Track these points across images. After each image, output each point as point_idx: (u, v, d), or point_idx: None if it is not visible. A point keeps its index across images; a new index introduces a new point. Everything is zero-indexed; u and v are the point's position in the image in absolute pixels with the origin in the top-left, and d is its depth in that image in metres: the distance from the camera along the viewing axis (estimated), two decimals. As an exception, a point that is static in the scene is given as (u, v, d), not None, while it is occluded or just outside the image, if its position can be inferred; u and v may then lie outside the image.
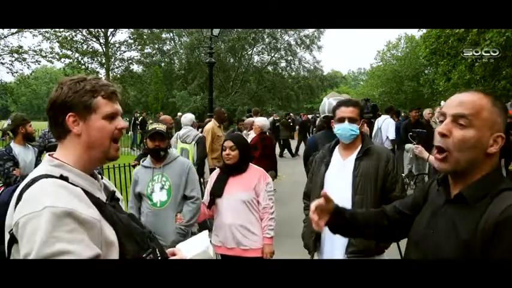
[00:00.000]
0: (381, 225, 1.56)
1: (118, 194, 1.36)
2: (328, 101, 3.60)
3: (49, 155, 1.22)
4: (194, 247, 1.39)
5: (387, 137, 8.07)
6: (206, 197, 3.15)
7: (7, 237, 1.09)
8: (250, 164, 3.11)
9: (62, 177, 1.13)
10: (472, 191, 1.20)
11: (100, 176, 1.31)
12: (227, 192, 3.01)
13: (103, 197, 1.23)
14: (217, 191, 3.03)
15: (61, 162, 1.18)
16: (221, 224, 3.03)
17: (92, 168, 1.25)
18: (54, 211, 1.01)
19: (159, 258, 1.26)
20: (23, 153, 4.10)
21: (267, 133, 6.10)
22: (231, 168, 3.05)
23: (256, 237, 2.97)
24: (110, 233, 1.13)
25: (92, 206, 1.12)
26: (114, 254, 1.13)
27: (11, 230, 1.06)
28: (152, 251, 1.24)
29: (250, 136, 6.24)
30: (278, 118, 18.12)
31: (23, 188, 1.11)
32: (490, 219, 1.11)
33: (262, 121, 6.05)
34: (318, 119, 14.72)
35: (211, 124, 6.80)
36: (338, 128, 2.57)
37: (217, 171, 3.21)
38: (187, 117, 6.14)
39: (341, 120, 2.56)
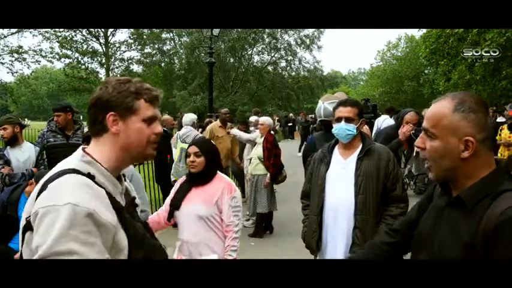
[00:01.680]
0: (388, 252, 1.58)
1: (137, 201, 1.36)
2: (324, 105, 3.59)
3: (83, 149, 1.22)
4: None
5: None
6: (165, 207, 2.77)
7: (23, 222, 1.10)
8: (218, 173, 2.73)
9: (89, 176, 1.13)
10: (470, 194, 1.19)
11: (124, 179, 1.32)
12: (185, 204, 2.63)
13: (122, 201, 1.23)
14: (176, 202, 2.66)
15: (92, 159, 1.19)
16: (180, 239, 2.67)
17: (123, 168, 1.27)
18: (75, 209, 1.02)
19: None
20: (16, 152, 4.09)
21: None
22: (195, 177, 2.67)
23: (216, 257, 2.53)
24: (123, 239, 1.13)
25: (111, 209, 1.12)
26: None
27: (29, 216, 1.07)
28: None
29: (255, 134, 6.23)
30: (278, 118, 18.12)
31: (49, 178, 1.12)
32: (490, 221, 1.11)
33: (268, 120, 6.03)
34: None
35: (212, 124, 6.82)
36: (335, 128, 2.58)
37: (182, 179, 2.82)
38: (189, 117, 6.14)
39: (338, 120, 2.57)
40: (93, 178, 1.14)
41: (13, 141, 4.10)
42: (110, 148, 1.22)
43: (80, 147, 1.24)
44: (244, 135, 6.41)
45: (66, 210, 1.01)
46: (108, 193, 1.15)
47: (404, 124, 3.67)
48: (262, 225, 5.79)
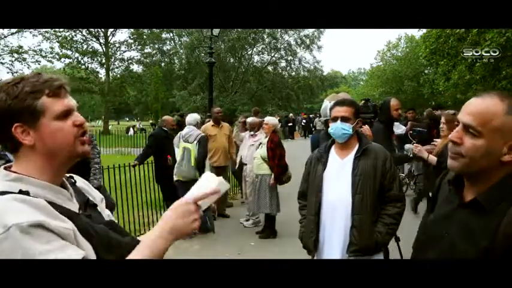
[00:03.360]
0: None
1: (94, 200, 1.22)
2: (330, 105, 3.60)
3: (4, 168, 1.07)
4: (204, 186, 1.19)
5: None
6: None
7: None
8: None
9: (22, 192, 0.99)
10: (489, 196, 1.16)
11: (73, 181, 1.19)
12: None
13: (75, 206, 1.10)
14: None
15: (19, 175, 1.04)
16: None
17: (60, 175, 1.11)
18: (21, 227, 0.90)
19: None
20: None
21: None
22: None
23: None
24: (86, 246, 1.02)
25: (59, 217, 0.99)
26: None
27: None
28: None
29: (258, 136, 6.20)
30: (279, 118, 18.12)
31: None
32: (510, 224, 1.08)
33: (274, 120, 6.01)
34: (316, 119, 14.69)
35: (205, 124, 6.88)
36: (331, 127, 2.59)
37: None
38: (192, 117, 6.16)
39: (334, 119, 2.58)
40: (28, 194, 0.99)
41: None
42: (34, 160, 1.06)
43: (1, 167, 1.08)
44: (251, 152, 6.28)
45: (14, 234, 0.90)
46: (51, 203, 1.01)
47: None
48: (273, 225, 5.77)
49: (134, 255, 1.05)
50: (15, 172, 1.05)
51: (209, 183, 1.18)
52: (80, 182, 1.23)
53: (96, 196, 1.25)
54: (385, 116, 3.95)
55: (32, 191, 1.01)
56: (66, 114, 1.07)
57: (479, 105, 1.17)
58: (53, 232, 0.94)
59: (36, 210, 0.96)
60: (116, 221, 1.27)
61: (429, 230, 1.36)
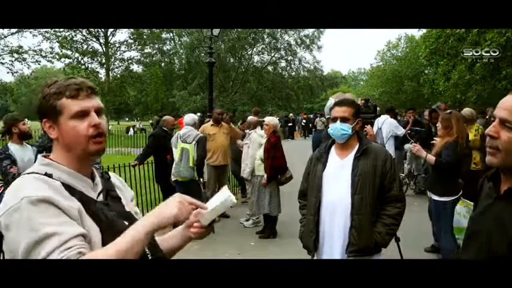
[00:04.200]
0: None
1: (122, 195, 1.34)
2: (331, 105, 3.61)
3: (42, 155, 1.24)
4: (215, 201, 1.29)
5: (391, 135, 7.99)
6: None
7: None
8: None
9: (46, 175, 1.14)
10: None
11: (107, 176, 1.33)
12: None
13: (94, 194, 1.22)
14: None
15: (50, 161, 1.21)
16: None
17: (85, 165, 1.24)
18: (31, 200, 1.03)
19: (148, 255, 1.22)
20: (20, 151, 4.09)
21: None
22: None
23: None
24: (91, 227, 1.12)
25: (71, 199, 1.12)
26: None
27: None
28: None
29: (254, 136, 6.20)
30: (279, 118, 18.12)
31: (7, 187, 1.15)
32: None
33: (274, 120, 6.00)
34: (317, 119, 14.71)
35: (205, 124, 6.90)
36: (331, 128, 2.59)
37: None
38: (190, 117, 6.16)
39: (334, 119, 2.57)
40: (51, 176, 1.14)
41: (29, 137, 4.18)
42: (59, 151, 1.23)
43: (40, 155, 1.26)
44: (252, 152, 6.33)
45: (24, 205, 1.03)
46: (68, 186, 1.15)
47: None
48: (273, 225, 5.76)
49: (122, 235, 1.09)
50: (49, 159, 1.23)
51: (222, 195, 1.28)
52: (114, 178, 1.38)
53: (127, 195, 1.39)
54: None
55: (56, 174, 1.16)
56: (82, 114, 1.19)
57: None
58: (59, 209, 1.06)
59: (49, 188, 1.09)
60: (139, 216, 1.35)
61: (471, 227, 1.40)
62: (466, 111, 7.18)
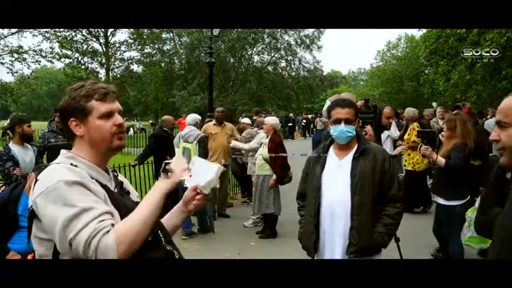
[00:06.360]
0: None
1: (129, 187, 1.55)
2: (328, 106, 3.57)
3: (65, 150, 1.38)
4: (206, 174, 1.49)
5: (388, 136, 7.98)
6: None
7: (28, 213, 1.26)
8: None
9: (72, 165, 1.29)
10: None
11: (115, 174, 1.50)
12: None
13: (112, 186, 1.39)
14: None
15: (73, 155, 1.35)
16: None
17: (105, 161, 1.41)
18: (66, 181, 1.19)
19: (164, 243, 1.31)
20: (22, 152, 4.09)
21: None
22: None
23: None
24: (115, 212, 1.25)
25: (96, 183, 1.27)
26: None
27: (31, 206, 1.23)
28: (153, 236, 1.29)
29: (260, 135, 6.20)
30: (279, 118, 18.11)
31: (40, 172, 1.28)
32: None
33: (274, 120, 5.98)
34: (317, 119, 14.70)
35: (207, 123, 6.91)
36: (334, 130, 2.53)
37: None
38: (192, 117, 6.17)
39: (337, 121, 2.52)
40: (76, 166, 1.29)
41: (31, 139, 4.19)
42: (83, 148, 1.37)
43: (63, 150, 1.40)
44: (246, 147, 6.40)
45: (60, 185, 1.18)
46: (91, 177, 1.29)
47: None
48: (273, 225, 5.74)
49: (141, 203, 1.30)
50: (72, 153, 1.37)
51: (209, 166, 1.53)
52: (121, 177, 1.56)
53: (133, 192, 1.56)
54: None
55: (80, 166, 1.31)
56: (108, 115, 1.35)
57: (506, 103, 1.32)
58: (90, 191, 1.22)
59: (79, 176, 1.24)
60: None
61: (497, 225, 1.40)
62: (409, 110, 7.28)
